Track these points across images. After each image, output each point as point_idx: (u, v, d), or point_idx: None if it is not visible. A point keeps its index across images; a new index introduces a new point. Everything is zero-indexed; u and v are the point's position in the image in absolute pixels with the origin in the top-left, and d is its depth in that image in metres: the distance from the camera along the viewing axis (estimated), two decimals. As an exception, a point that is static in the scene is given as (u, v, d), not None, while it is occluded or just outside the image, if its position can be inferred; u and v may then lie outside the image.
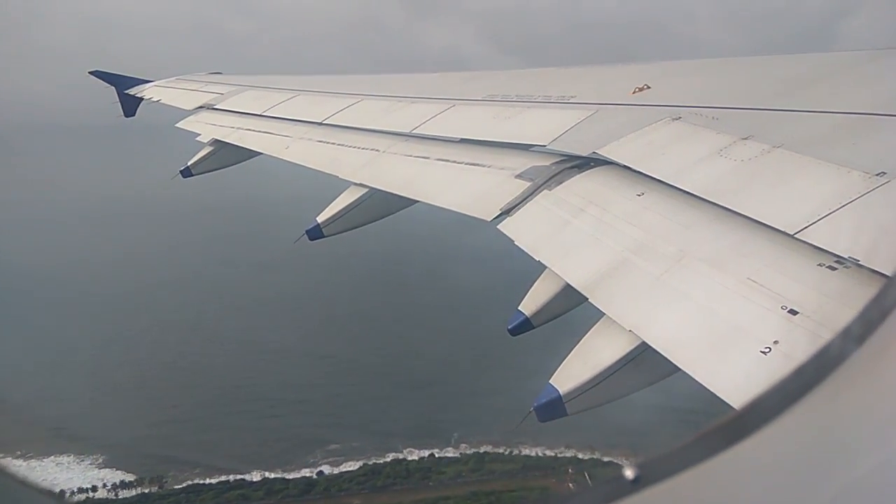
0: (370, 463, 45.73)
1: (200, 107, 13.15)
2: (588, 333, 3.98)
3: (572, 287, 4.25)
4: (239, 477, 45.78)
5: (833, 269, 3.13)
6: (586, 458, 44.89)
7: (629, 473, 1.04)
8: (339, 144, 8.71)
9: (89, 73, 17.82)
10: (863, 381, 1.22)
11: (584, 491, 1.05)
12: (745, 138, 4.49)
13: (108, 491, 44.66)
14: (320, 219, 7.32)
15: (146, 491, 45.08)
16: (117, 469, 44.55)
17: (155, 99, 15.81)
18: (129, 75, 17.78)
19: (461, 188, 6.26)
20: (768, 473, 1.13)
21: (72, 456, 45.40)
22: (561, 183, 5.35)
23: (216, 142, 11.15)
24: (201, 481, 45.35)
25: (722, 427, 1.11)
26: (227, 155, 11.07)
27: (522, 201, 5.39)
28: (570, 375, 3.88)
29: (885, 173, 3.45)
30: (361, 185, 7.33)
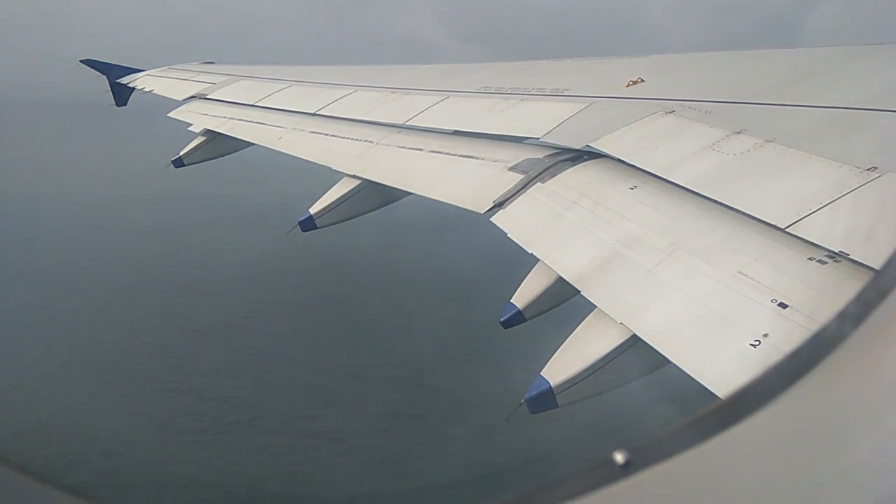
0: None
1: (192, 96, 13.08)
2: (580, 326, 4.00)
3: (564, 280, 4.26)
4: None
5: (823, 263, 3.15)
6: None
7: (619, 458, 1.04)
8: (332, 135, 8.69)
9: (81, 61, 17.68)
10: (853, 370, 1.23)
11: (571, 477, 1.04)
12: (738, 132, 4.51)
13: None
14: (313, 210, 7.30)
15: None
16: None
17: (147, 89, 15.71)
18: (118, 63, 17.65)
19: (454, 180, 6.26)
20: (759, 459, 1.14)
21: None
22: (554, 176, 5.36)
23: (208, 132, 11.09)
24: None
25: (712, 413, 1.11)
26: (219, 145, 11.03)
27: (515, 194, 5.39)
28: (561, 367, 3.90)
29: (876, 168, 3.47)
30: (354, 176, 7.31)
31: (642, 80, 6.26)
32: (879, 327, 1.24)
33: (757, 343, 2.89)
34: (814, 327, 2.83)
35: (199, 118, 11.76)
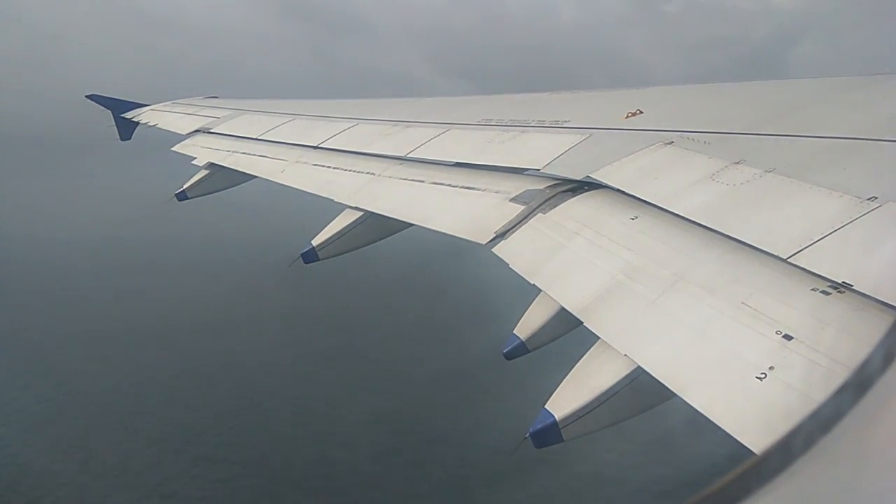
0: None
1: (196, 130, 13.22)
2: (583, 358, 3.96)
3: (567, 311, 4.24)
4: None
5: (826, 293, 3.14)
6: None
7: None
8: (334, 168, 8.75)
9: (86, 97, 17.91)
10: (857, 445, 1.19)
11: None
12: (737, 163, 4.53)
13: None
14: (315, 242, 7.31)
15: None
16: None
17: (151, 123, 15.88)
18: (125, 99, 17.88)
19: (456, 211, 6.28)
20: None
21: None
22: (555, 206, 5.38)
23: (212, 165, 11.18)
24: None
25: (716, 492, 1.06)
26: (222, 178, 11.10)
27: (517, 224, 5.41)
28: (565, 401, 3.85)
29: (876, 197, 3.48)
30: (357, 208, 7.34)
31: (641, 112, 6.33)
32: (869, 416, 1.21)
33: (763, 376, 2.86)
34: (819, 360, 2.80)
35: (202, 151, 11.86)
